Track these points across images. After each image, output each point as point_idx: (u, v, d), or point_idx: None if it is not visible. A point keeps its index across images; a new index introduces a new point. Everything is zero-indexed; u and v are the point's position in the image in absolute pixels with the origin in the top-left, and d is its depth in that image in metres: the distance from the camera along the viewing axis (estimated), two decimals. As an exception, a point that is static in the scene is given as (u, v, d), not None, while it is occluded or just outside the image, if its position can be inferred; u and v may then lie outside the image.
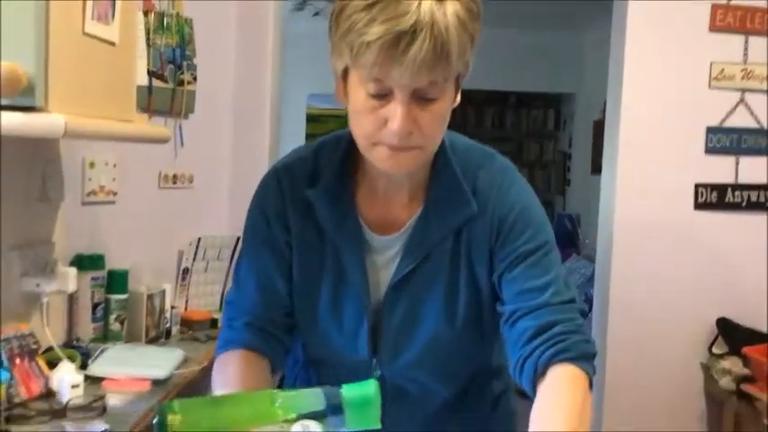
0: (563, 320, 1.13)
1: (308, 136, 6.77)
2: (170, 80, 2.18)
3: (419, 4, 0.97)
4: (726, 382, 2.15)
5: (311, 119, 6.94)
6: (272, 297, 1.20)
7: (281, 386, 1.61)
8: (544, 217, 1.21)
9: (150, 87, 2.10)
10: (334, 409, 0.93)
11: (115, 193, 2.07)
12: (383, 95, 1.03)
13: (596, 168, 2.55)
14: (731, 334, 2.26)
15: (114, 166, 2.07)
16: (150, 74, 2.10)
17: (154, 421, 0.91)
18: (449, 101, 1.09)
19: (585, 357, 1.13)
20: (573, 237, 6.22)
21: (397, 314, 1.17)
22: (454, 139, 1.22)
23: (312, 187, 1.19)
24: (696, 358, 2.35)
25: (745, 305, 2.33)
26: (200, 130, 2.39)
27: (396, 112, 1.02)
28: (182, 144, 2.30)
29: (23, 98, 1.16)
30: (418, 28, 0.97)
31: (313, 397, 0.95)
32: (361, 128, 1.08)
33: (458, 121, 1.09)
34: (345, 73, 1.08)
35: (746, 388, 2.05)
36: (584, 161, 6.00)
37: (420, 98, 1.04)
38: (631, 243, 2.38)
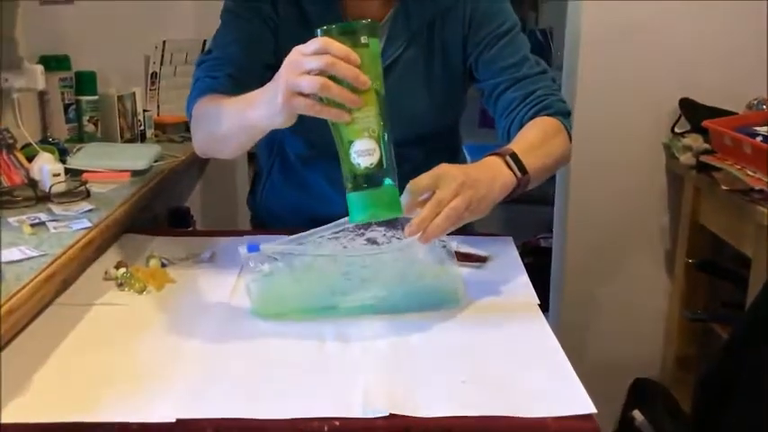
0: (542, 87, 1.33)
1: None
2: None
3: None
4: (686, 158, 2.23)
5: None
6: (257, 50, 1.23)
7: (255, 180, 1.66)
8: (509, 5, 1.38)
9: None
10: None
11: (73, -7, 2.02)
12: None
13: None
14: (693, 113, 2.31)
15: (69, -37, 2.00)
16: None
17: None
18: None
19: (562, 113, 1.34)
20: (546, 51, 6.17)
21: None
22: None
23: None
24: (659, 139, 2.42)
25: (708, 84, 2.37)
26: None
27: None
28: (138, -60, 2.22)
29: None
30: None
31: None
32: None
33: None
34: None
35: (706, 159, 2.13)
36: (557, -30, 5.84)
37: None
38: (598, 32, 2.38)
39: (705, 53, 2.38)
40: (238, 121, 1.17)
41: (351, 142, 1.00)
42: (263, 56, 1.30)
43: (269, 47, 1.32)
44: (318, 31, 1.00)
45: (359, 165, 1.00)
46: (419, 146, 1.39)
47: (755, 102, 2.24)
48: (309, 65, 0.98)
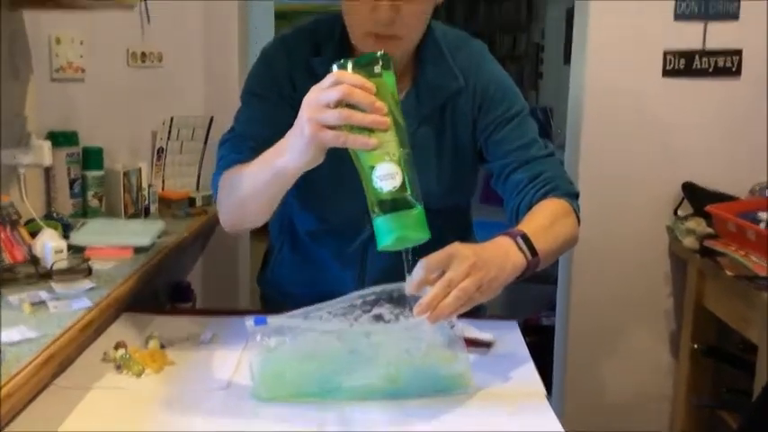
0: (549, 169, 1.36)
1: (278, 32, 6.63)
2: (133, -47, 2.12)
3: None
4: (690, 242, 2.23)
5: (280, 15, 6.78)
6: (278, 125, 1.24)
7: (267, 257, 1.66)
8: (517, 89, 1.42)
9: (113, -40, 2.05)
10: None
11: (83, 70, 2.06)
12: None
13: (568, 59, 2.54)
14: (696, 196, 2.33)
15: (81, 42, 2.05)
16: (112, -54, 2.05)
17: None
18: None
19: (570, 195, 1.35)
20: (546, 128, 6.27)
21: None
22: (434, 25, 1.37)
23: (317, 56, 1.33)
24: (662, 222, 2.43)
25: (711, 169, 2.39)
26: (167, 10, 2.35)
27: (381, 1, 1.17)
28: (148, 21, 2.27)
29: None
30: None
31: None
32: (351, 17, 1.24)
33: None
34: None
35: (710, 244, 2.13)
36: (557, 52, 5.97)
37: None
38: (601, 112, 2.42)
39: (708, 137, 2.41)
40: (266, 174, 1.18)
41: (372, 168, 1.01)
42: (285, 130, 1.31)
43: (289, 122, 1.33)
44: (334, 66, 1.04)
45: (382, 189, 1.00)
46: (430, 224, 1.39)
47: (758, 187, 2.25)
48: (328, 97, 1.02)
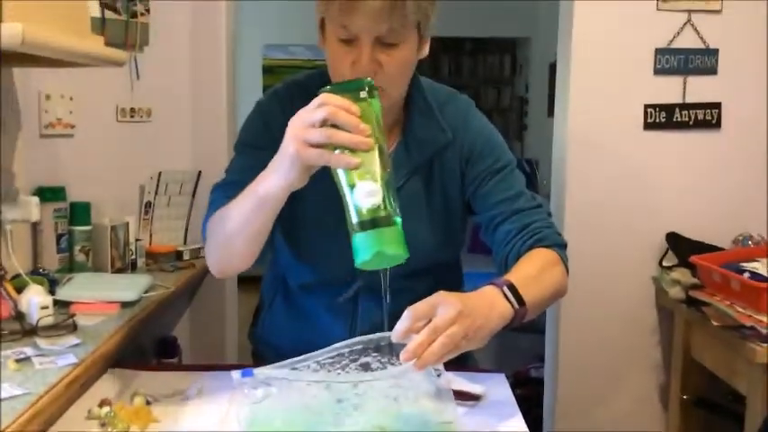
0: (538, 220, 1.37)
1: (266, 88, 6.71)
2: (123, 12, 2.16)
3: None
4: (676, 292, 2.24)
5: (267, 70, 6.87)
6: None
7: (258, 310, 1.65)
8: (504, 143, 1.45)
9: (103, 18, 2.09)
10: None
11: (73, 126, 2.07)
12: (351, 41, 1.20)
13: (553, 111, 2.59)
14: (680, 247, 2.35)
15: (71, 99, 2.07)
16: (102, 5, 2.09)
17: None
18: (411, 48, 1.27)
19: (558, 245, 1.36)
20: (532, 180, 6.33)
21: None
22: (422, 81, 1.41)
23: None
24: (648, 272, 2.45)
25: (694, 220, 2.42)
26: (156, 66, 2.38)
27: (361, 54, 1.20)
28: (137, 77, 2.30)
29: (-22, 8, 1.16)
30: None
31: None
32: (335, 70, 1.25)
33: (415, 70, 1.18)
34: (323, 24, 1.26)
35: (695, 294, 2.15)
36: (541, 105, 6.07)
37: (383, 44, 1.21)
38: (585, 164, 2.45)
39: (690, 188, 2.44)
40: (251, 201, 1.19)
41: (353, 186, 1.03)
42: None
43: None
44: (320, 91, 1.08)
45: (362, 206, 1.02)
46: (421, 278, 1.40)
47: (741, 237, 2.28)
48: (313, 117, 1.06)
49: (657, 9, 2.38)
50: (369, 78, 1.10)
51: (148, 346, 2.22)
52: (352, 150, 1.04)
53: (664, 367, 2.48)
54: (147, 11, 2.28)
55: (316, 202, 1.29)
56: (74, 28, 1.47)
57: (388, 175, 1.05)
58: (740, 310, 1.94)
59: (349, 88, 1.08)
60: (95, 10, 2.06)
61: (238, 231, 1.23)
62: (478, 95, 7.59)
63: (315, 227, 1.26)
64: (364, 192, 1.02)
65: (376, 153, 1.04)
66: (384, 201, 1.02)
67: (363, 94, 1.07)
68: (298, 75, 1.44)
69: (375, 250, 1.02)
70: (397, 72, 1.26)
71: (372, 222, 1.02)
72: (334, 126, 1.05)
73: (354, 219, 1.03)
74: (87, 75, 1.88)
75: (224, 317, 2.56)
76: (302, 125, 1.07)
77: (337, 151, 1.04)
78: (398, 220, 1.04)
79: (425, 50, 1.32)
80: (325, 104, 1.06)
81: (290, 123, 1.10)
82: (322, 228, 1.31)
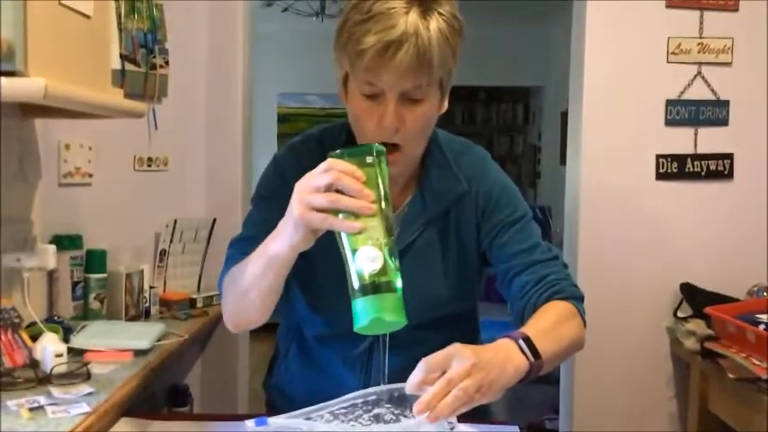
0: (554, 272, 1.36)
1: (280, 136, 6.79)
2: (142, 64, 2.21)
3: (406, 19, 1.16)
4: (691, 343, 2.23)
5: (282, 119, 6.95)
6: None
7: (273, 360, 1.66)
8: (520, 194, 1.46)
9: (123, 71, 2.13)
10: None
11: (91, 175, 2.11)
12: (376, 96, 1.22)
13: (565, 159, 2.61)
14: (694, 298, 2.34)
15: (90, 148, 2.11)
16: (123, 57, 2.13)
17: None
18: (434, 105, 1.28)
19: (575, 297, 1.35)
20: (545, 228, 6.33)
21: None
22: (438, 133, 1.41)
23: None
24: (662, 323, 2.43)
25: (708, 270, 2.41)
26: (173, 117, 2.43)
27: (386, 109, 1.21)
28: (156, 127, 2.34)
29: (4, 63, 1.19)
30: (404, 38, 1.15)
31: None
32: (360, 127, 1.27)
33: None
34: (346, 79, 1.26)
35: (710, 346, 2.13)
36: (554, 153, 6.10)
37: (407, 99, 1.22)
38: (597, 213, 2.46)
39: (704, 239, 2.44)
40: (261, 260, 1.20)
41: (355, 251, 1.04)
42: None
43: None
44: (329, 155, 1.09)
45: (362, 272, 1.02)
46: (436, 329, 1.39)
47: (756, 288, 2.26)
48: (318, 182, 1.06)
49: (668, 62, 2.41)
50: (378, 144, 1.11)
51: (160, 394, 2.22)
52: (356, 215, 1.05)
53: (680, 419, 2.45)
54: (167, 62, 2.32)
55: (329, 257, 1.30)
56: (95, 81, 1.50)
57: (392, 241, 1.05)
58: (756, 362, 1.92)
59: (355, 153, 1.09)
60: (116, 62, 2.10)
61: (251, 288, 1.24)
62: (492, 143, 7.65)
63: (329, 281, 1.27)
64: (366, 257, 1.03)
65: (379, 218, 1.05)
66: (385, 266, 1.03)
67: (370, 159, 1.08)
68: (314, 128, 1.45)
69: (373, 317, 1.02)
70: (419, 128, 1.27)
71: (373, 287, 1.02)
72: (339, 191, 1.06)
73: (356, 284, 1.03)
74: (106, 125, 1.92)
75: (236, 365, 2.55)
76: (307, 189, 1.08)
77: (341, 216, 1.05)
78: (399, 287, 1.04)
79: (445, 106, 1.33)
80: (330, 169, 1.06)
81: (296, 187, 1.10)
82: (336, 282, 1.31)
